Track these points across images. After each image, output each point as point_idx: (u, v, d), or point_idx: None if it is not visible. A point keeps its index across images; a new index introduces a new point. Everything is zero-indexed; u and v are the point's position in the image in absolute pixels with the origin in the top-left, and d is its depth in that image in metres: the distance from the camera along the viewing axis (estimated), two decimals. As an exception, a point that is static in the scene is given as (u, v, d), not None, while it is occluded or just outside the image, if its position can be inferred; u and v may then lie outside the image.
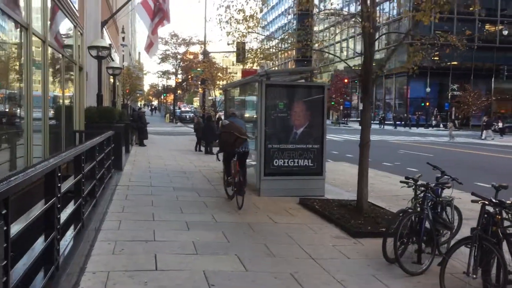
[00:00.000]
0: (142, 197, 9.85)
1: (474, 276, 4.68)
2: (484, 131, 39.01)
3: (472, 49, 9.59)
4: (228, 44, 10.34)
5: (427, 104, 63.78)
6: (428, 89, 63.24)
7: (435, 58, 9.63)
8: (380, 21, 9.75)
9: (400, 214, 6.01)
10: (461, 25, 54.66)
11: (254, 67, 14.26)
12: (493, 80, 68.56)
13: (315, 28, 11.96)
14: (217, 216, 8.33)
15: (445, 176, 6.43)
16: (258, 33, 10.38)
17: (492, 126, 41.23)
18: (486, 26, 64.57)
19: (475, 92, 59.75)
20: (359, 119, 46.55)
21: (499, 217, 4.85)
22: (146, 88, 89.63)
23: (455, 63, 62.45)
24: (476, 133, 44.18)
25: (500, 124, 45.08)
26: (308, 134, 10.61)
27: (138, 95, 57.70)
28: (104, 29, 17.96)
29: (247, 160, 11.61)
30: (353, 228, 7.52)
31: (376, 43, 8.74)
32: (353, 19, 9.55)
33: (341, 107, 70.73)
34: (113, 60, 21.52)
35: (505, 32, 52.87)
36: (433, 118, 62.23)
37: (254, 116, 11.24)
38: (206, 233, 7.15)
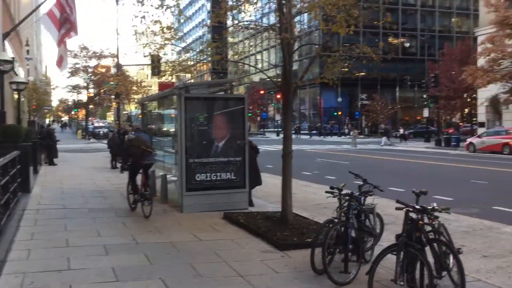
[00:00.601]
0: (54, 222, 9.12)
1: (402, 283, 4.74)
2: (383, 138, 41.21)
3: (379, 60, 10.08)
4: (145, 56, 9.95)
5: (339, 113, 66.53)
6: (339, 99, 66.02)
7: (344, 69, 9.99)
8: (296, 32, 9.95)
9: (327, 225, 6.01)
10: (367, 38, 57.84)
11: (172, 80, 13.90)
12: (397, 89, 73.13)
13: (231, 40, 11.89)
14: (138, 237, 7.88)
15: (367, 184, 6.54)
16: (176, 45, 10.10)
17: (389, 133, 43.48)
18: (389, 39, 68.65)
19: (382, 101, 63.24)
20: (276, 129, 47.23)
21: (422, 222, 4.96)
22: (55, 103, 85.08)
23: (363, 73, 65.76)
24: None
25: (402, 131, 47.16)
26: (230, 147, 10.45)
27: (46, 111, 54.51)
28: (5, 41, 16.68)
29: (168, 176, 11.31)
30: (280, 240, 7.43)
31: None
32: (270, 31, 9.57)
33: (258, 118, 71.69)
34: (17, 75, 20.08)
35: (407, 45, 56.77)
36: (345, 127, 64.91)
37: (174, 130, 10.90)
38: (126, 256, 6.71)
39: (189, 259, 6.60)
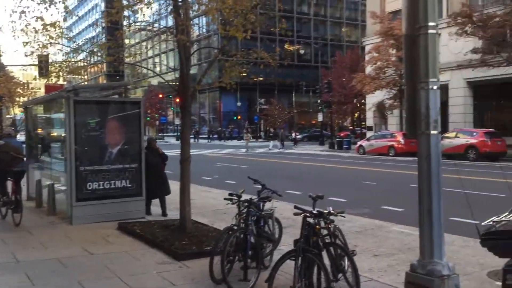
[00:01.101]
0: None
1: (301, 288, 4.73)
2: (271, 142, 42.48)
3: (277, 65, 10.28)
4: (26, 55, 9.10)
5: (239, 117, 67.31)
6: (239, 103, 66.81)
7: (242, 74, 10.04)
8: (194, 36, 9.77)
9: (226, 232, 5.88)
10: (264, 44, 59.14)
11: (60, 82, 12.96)
12: (294, 94, 75.72)
13: (127, 42, 11.36)
14: (19, 254, 7.14)
15: (266, 190, 6.52)
16: (63, 45, 9.38)
17: (280, 137, 44.38)
18: (285, 46, 70.91)
19: (280, 106, 65.15)
20: (176, 134, 46.25)
21: (319, 227, 5.01)
22: None
23: (261, 78, 67.24)
24: (287, 143, 47.81)
25: (293, 135, 48.86)
26: (125, 153, 9.94)
27: None
28: None
29: (56, 185, 10.53)
30: (178, 250, 7.16)
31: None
32: (167, 33, 9.27)
33: (157, 123, 70.17)
34: None
35: (302, 51, 59.17)
36: (244, 131, 65.81)
37: (63, 135, 10.14)
38: (5, 278, 6.02)
39: (78, 276, 6.09)
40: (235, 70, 7.93)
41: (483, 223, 4.63)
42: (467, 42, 28.26)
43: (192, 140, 51.43)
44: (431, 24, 4.27)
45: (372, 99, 39.12)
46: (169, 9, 9.11)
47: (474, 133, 26.54)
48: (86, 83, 61.07)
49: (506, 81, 30.28)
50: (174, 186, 15.01)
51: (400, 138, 30.36)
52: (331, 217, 5.26)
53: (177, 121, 71.35)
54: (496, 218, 4.62)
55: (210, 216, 10.50)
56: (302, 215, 5.00)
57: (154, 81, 79.39)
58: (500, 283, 5.76)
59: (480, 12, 26.86)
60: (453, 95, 34.36)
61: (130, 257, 7.12)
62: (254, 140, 50.91)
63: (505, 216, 4.62)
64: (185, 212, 8.21)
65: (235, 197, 6.12)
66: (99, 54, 8.87)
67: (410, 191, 14.20)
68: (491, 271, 6.43)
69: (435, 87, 4.28)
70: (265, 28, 9.29)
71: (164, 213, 10.39)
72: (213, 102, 73.74)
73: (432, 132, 4.27)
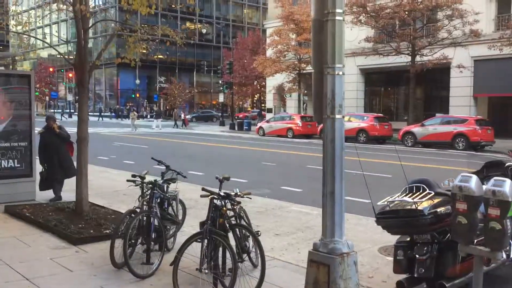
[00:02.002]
0: None
1: (206, 270, 4.71)
2: (154, 121, 41.92)
3: (183, 43, 9.94)
4: None
5: (138, 95, 65.23)
6: (137, 81, 64.68)
7: (145, 51, 9.60)
8: (90, 8, 9.11)
9: (128, 215, 5.66)
10: (164, 21, 57.61)
11: None
12: (194, 74, 75.01)
13: (13, 9, 10.37)
14: None
15: (170, 171, 6.36)
16: None
17: (160, 117, 43.73)
18: (187, 24, 69.73)
19: (180, 85, 64.14)
20: (68, 111, 43.56)
21: (225, 209, 5.00)
22: None
23: (162, 56, 65.64)
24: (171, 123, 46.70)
25: (182, 115, 45.70)
26: (13, 130, 9.11)
27: None
28: None
29: None
30: (74, 234, 6.76)
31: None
32: (62, 2, 8.58)
33: (47, 98, 65.64)
34: None
35: (204, 31, 58.59)
36: (143, 109, 63.98)
37: None
38: None
39: (-41, 266, 5.52)
40: (139, 46, 7.57)
41: (378, 203, 4.92)
42: (361, 31, 29.86)
43: (96, 119, 48.65)
44: (338, 10, 4.37)
45: (272, 82, 39.99)
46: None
47: (365, 117, 28.29)
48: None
49: (394, 69, 32.58)
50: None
51: (298, 120, 31.46)
52: (238, 199, 5.28)
53: (70, 97, 67.35)
54: (390, 198, 4.94)
55: (108, 198, 10.07)
56: (209, 197, 4.95)
57: (44, 54, 73.92)
58: (390, 258, 6.23)
59: (373, 2, 28.46)
60: (346, 81, 35.92)
61: (20, 242, 6.60)
62: (139, 119, 48.81)
63: (398, 196, 4.96)
64: (82, 195, 7.77)
65: (139, 179, 5.90)
66: (-18, 20, 7.96)
67: (308, 172, 14.84)
68: (382, 247, 6.92)
69: (340, 73, 4.42)
70: (167, 4, 8.95)
71: (56, 196, 9.52)
72: (110, 78, 70.60)
73: (337, 116, 4.41)
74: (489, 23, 29.17)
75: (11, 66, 9.74)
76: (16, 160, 9.13)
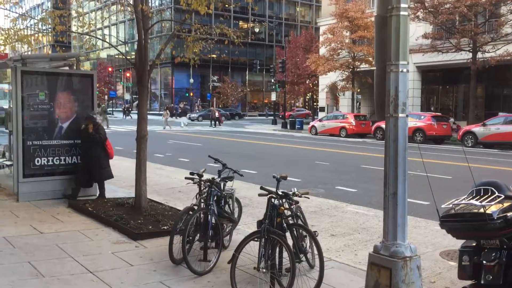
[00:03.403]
0: None
1: (264, 270, 4.69)
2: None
3: (240, 42, 9.96)
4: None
5: (191, 94, 66.43)
6: (191, 80, 65.87)
7: (199, 50, 9.69)
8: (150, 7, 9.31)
9: (187, 212, 5.74)
10: (217, 21, 58.29)
11: (6, 51, 12.18)
12: (247, 73, 75.46)
13: (77, 10, 10.76)
14: (-39, 233, 6.70)
15: (227, 169, 6.40)
16: (9, 10, 8.75)
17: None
18: (240, 24, 70.30)
19: (233, 84, 64.79)
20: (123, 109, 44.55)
21: (283, 208, 4.96)
22: None
23: (215, 56, 66.52)
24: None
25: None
26: (76, 129, 9.47)
27: None
28: None
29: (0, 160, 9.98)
30: (134, 229, 6.94)
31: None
32: (124, 3, 8.83)
33: (106, 97, 68.14)
34: None
35: (257, 30, 58.76)
36: (196, 108, 65.10)
37: (7, 107, 9.55)
38: None
39: (28, 257, 5.78)
40: (198, 45, 7.67)
41: (442, 206, 4.72)
42: (418, 27, 28.92)
43: (121, 116, 49.11)
44: (403, 5, 4.23)
45: (325, 80, 39.52)
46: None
47: (422, 117, 27.41)
48: (30, 53, 58.28)
49: (452, 67, 31.38)
50: (126, 163, 14.71)
51: (351, 119, 30.94)
52: (295, 198, 5.22)
53: (127, 96, 69.58)
54: (456, 201, 4.72)
55: (165, 195, 10.31)
56: (267, 196, 4.92)
57: (103, 54, 76.79)
58: (452, 263, 5.98)
59: (432, -2, 27.49)
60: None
61: (83, 236, 6.85)
62: (172, 117, 48.73)
63: (464, 198, 4.73)
64: (141, 191, 7.97)
65: (196, 177, 5.97)
66: (49, 22, 8.31)
67: (362, 172, 14.55)
68: (443, 251, 6.66)
69: (404, 70, 4.27)
70: (222, 4, 9.02)
71: (101, 194, 9.23)
72: (165, 78, 72.38)
73: (401, 115, 4.27)
74: (558, 17, 27.48)
75: (75, 66, 10.14)
76: (79, 157, 9.49)
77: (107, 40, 50.51)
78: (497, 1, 25.65)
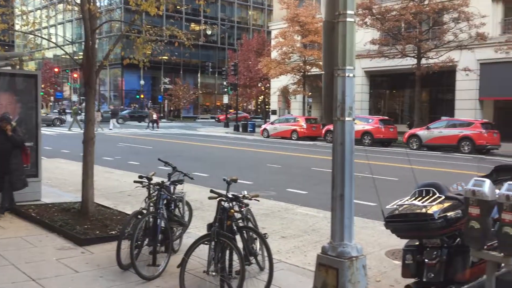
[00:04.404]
0: None
1: (214, 273, 4.68)
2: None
3: (191, 44, 9.88)
4: None
5: (142, 96, 65.28)
6: (142, 82, 64.74)
7: (153, 51, 9.54)
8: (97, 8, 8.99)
9: (136, 216, 5.63)
10: (171, 22, 57.68)
11: None
12: (199, 75, 75.07)
13: (21, 8, 10.36)
14: None
15: (177, 172, 6.34)
16: None
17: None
18: (192, 26, 69.87)
19: (185, 86, 64.22)
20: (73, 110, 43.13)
21: (233, 211, 4.96)
22: None
23: (166, 58, 65.74)
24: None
25: (155, 116, 42.19)
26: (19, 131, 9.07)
27: None
28: None
29: None
30: (80, 235, 6.74)
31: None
32: (70, 2, 8.57)
33: (52, 98, 65.84)
34: None
35: (209, 32, 58.63)
36: (146, 110, 64.02)
37: None
38: None
39: (-35, 266, 5.50)
40: (147, 47, 7.55)
41: (387, 207, 4.87)
42: (366, 33, 29.74)
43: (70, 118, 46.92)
44: (350, 12, 4.34)
45: (277, 84, 39.93)
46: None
47: (370, 120, 28.21)
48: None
49: (399, 72, 32.49)
50: (72, 166, 14.29)
51: (302, 122, 31.41)
52: (245, 201, 5.24)
53: (74, 98, 67.50)
54: (399, 202, 4.88)
55: (113, 198, 10.08)
56: (217, 199, 4.91)
57: (49, 54, 74.19)
58: (397, 262, 6.18)
59: (379, 5, 28.38)
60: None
61: (25, 243, 6.58)
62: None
63: (407, 199, 4.90)
64: (88, 195, 7.75)
65: (145, 180, 5.88)
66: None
67: (313, 174, 14.79)
68: (389, 250, 6.87)
69: (351, 75, 4.38)
70: (173, 5, 8.95)
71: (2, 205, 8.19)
72: (115, 79, 70.79)
73: (347, 118, 4.38)
74: (496, 26, 29.05)
75: (17, 66, 9.70)
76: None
77: (53, 40, 48.82)
78: (440, 9, 26.79)
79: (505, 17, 29.23)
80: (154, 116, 41.76)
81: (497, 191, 4.07)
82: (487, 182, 4.03)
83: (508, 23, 28.50)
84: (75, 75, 68.06)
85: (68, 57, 9.59)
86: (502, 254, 3.94)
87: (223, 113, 55.72)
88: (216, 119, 45.84)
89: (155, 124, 40.91)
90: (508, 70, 27.49)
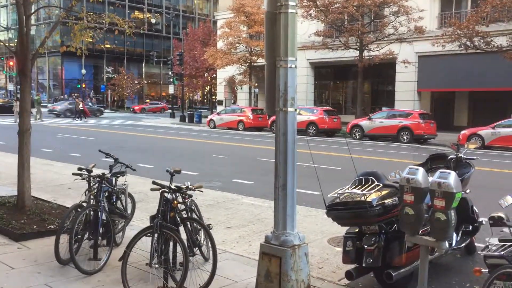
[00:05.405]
0: None
1: (157, 265, 4.62)
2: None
3: (132, 33, 9.62)
4: None
5: (84, 86, 63.16)
6: (83, 71, 62.59)
7: (89, 40, 9.17)
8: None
9: (75, 210, 5.45)
10: (112, 9, 56.01)
11: None
12: (143, 64, 73.51)
13: None
14: None
15: (118, 164, 6.18)
16: None
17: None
18: (135, 13, 68.09)
19: (129, 76, 62.71)
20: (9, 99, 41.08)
21: (176, 202, 4.91)
22: None
23: (109, 46, 63.80)
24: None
25: (81, 105, 39.21)
26: None
27: None
28: None
29: None
30: (16, 230, 6.45)
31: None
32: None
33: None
34: None
35: (153, 21, 57.45)
36: (88, 100, 62.04)
37: None
38: None
39: None
40: (85, 34, 7.27)
41: (328, 195, 4.99)
42: (311, 25, 30.18)
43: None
44: (291, 3, 4.37)
45: (223, 74, 39.79)
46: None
47: (315, 111, 28.71)
48: None
49: (342, 63, 33.24)
50: (8, 159, 13.65)
51: (249, 113, 31.50)
52: (189, 192, 5.20)
53: (11, 87, 64.27)
54: (340, 190, 5.02)
55: (53, 192, 9.72)
56: (160, 190, 4.85)
57: (-18, 40, 70.12)
58: (339, 249, 6.35)
59: (324, -3, 28.83)
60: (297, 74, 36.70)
61: (-45, 240, 6.23)
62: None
63: (348, 188, 5.04)
64: (24, 189, 7.42)
65: (85, 172, 5.70)
66: None
67: (259, 164, 14.89)
68: (331, 238, 7.05)
69: (293, 66, 4.43)
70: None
71: None
72: (54, 68, 67.97)
73: (290, 109, 4.43)
74: (433, 20, 30.29)
75: None
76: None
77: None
78: (381, 3, 27.58)
79: (441, 11, 30.53)
80: (80, 106, 38.84)
81: (430, 178, 4.27)
82: (421, 170, 4.21)
83: (444, 17, 29.78)
84: (11, 63, 64.81)
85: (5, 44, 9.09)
86: (434, 239, 4.14)
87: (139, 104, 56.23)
88: (131, 109, 45.61)
89: (82, 116, 38.40)
90: (444, 63, 28.80)
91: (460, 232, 5.72)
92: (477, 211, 6.12)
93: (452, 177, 4.00)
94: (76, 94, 60.67)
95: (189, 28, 55.79)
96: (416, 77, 30.98)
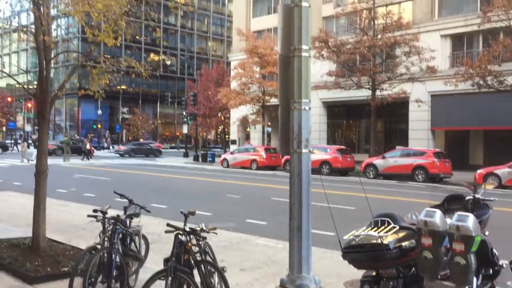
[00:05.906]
0: None
1: (171, 309, 4.55)
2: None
3: (148, 75, 9.87)
4: None
5: (99, 126, 64.17)
6: (99, 112, 63.73)
7: (110, 82, 9.45)
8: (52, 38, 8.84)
9: (89, 251, 5.44)
10: (127, 53, 57.44)
11: None
12: (158, 105, 74.69)
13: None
14: None
15: (133, 205, 6.20)
16: None
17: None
18: (151, 56, 69.81)
19: (143, 116, 63.67)
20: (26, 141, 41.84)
21: (190, 245, 4.88)
22: None
23: (124, 87, 65.21)
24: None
25: (88, 145, 39.81)
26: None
27: None
28: None
29: None
30: (30, 272, 6.44)
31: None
32: (24, 32, 8.41)
33: (4, 128, 63.71)
34: None
35: (168, 63, 58.77)
36: (104, 140, 62.91)
37: None
38: None
39: None
40: (103, 78, 7.46)
41: (344, 237, 4.92)
42: (323, 65, 30.57)
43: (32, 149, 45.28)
44: (304, 47, 4.45)
45: (236, 114, 40.18)
46: (26, 6, 8.32)
47: (328, 150, 28.68)
48: None
49: (355, 103, 33.41)
50: (23, 199, 13.75)
51: (262, 152, 31.58)
52: (203, 234, 5.17)
53: (28, 128, 65.54)
54: (356, 232, 4.94)
55: (67, 233, 9.71)
56: (174, 233, 4.83)
57: (2, 83, 72.17)
58: (356, 292, 6.19)
59: (335, 38, 29.32)
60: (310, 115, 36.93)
61: (-30, 282, 6.22)
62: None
63: (364, 230, 4.97)
64: (39, 231, 7.44)
65: (100, 214, 5.71)
66: None
67: (272, 204, 14.79)
68: (347, 281, 6.87)
69: (307, 108, 4.47)
70: (131, 36, 8.95)
71: None
72: (71, 109, 69.38)
73: (304, 150, 4.43)
74: (445, 60, 30.50)
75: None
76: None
77: (5, 68, 47.56)
78: (392, 43, 27.93)
79: (453, 51, 30.76)
80: (88, 146, 39.28)
81: (448, 220, 4.20)
82: (438, 212, 4.15)
83: (456, 57, 29.99)
84: (29, 105, 66.38)
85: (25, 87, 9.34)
86: (454, 284, 4.03)
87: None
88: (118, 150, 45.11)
89: (88, 155, 38.61)
90: (457, 102, 28.78)
91: (481, 276, 5.56)
92: (497, 253, 5.96)
93: (470, 220, 3.93)
94: (92, 135, 61.59)
95: (203, 69, 56.85)
96: (429, 116, 30.92)
